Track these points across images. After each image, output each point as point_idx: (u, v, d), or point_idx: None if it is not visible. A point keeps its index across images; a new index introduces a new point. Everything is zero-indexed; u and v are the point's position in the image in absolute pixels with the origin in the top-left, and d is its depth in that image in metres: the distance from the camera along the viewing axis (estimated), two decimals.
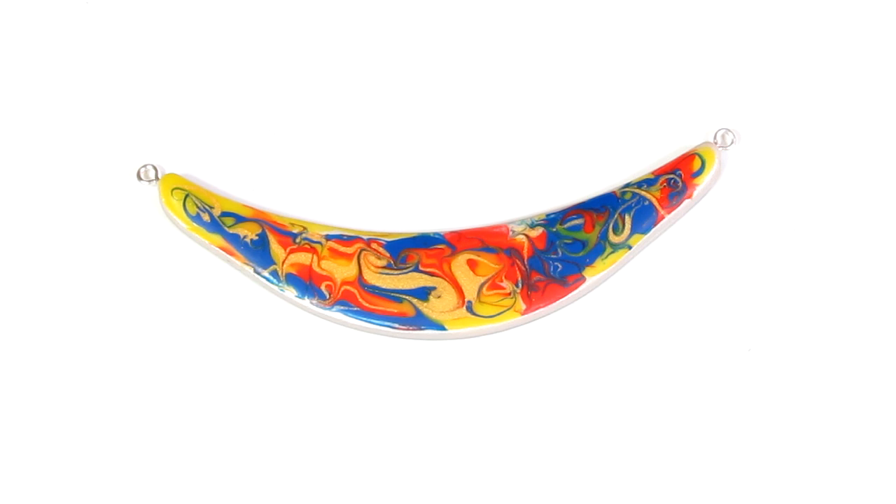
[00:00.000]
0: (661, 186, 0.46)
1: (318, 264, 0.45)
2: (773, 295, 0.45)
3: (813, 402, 0.45)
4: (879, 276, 0.46)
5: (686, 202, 0.46)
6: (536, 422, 0.45)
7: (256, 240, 0.45)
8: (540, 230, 0.46)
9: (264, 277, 0.45)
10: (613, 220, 0.45)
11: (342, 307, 0.45)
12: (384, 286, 0.45)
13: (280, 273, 0.45)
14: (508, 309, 0.45)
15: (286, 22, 0.48)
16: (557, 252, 0.45)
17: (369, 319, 0.45)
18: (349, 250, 0.45)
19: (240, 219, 0.45)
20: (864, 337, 0.45)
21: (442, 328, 0.45)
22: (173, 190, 0.45)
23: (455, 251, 0.45)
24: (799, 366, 0.45)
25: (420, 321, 0.45)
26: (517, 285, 0.45)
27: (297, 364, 0.45)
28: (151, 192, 0.46)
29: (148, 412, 0.45)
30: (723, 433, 0.44)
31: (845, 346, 0.45)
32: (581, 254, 0.45)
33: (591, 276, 0.45)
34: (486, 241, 0.45)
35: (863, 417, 0.45)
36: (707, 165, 0.45)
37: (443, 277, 0.45)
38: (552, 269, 0.45)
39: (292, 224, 0.46)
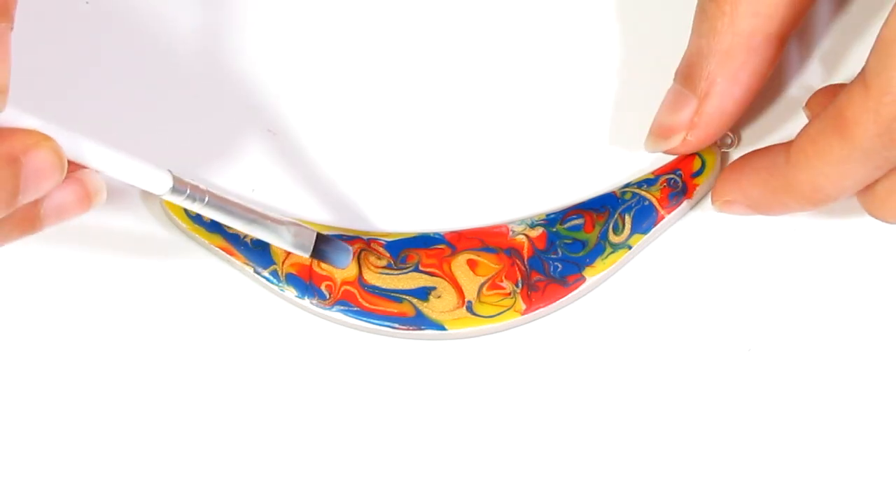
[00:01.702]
0: (661, 186, 0.46)
1: (318, 264, 0.45)
2: (773, 295, 0.45)
3: (813, 402, 0.45)
4: (880, 275, 0.46)
5: (686, 202, 0.46)
6: (537, 421, 0.45)
7: (256, 240, 0.45)
8: (540, 230, 0.46)
9: (264, 277, 0.45)
10: (613, 220, 0.45)
11: (342, 307, 0.45)
12: (384, 286, 0.45)
13: (280, 273, 0.45)
14: (508, 309, 0.45)
15: (286, 22, 0.48)
16: (557, 252, 0.45)
17: (369, 319, 0.45)
18: None
19: None
20: (864, 336, 0.45)
21: (442, 328, 0.45)
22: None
23: (455, 251, 0.45)
24: (799, 366, 0.45)
25: (420, 321, 0.45)
26: (517, 285, 0.45)
27: (297, 364, 0.45)
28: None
29: (148, 412, 0.45)
30: (723, 433, 0.44)
31: (846, 346, 0.45)
32: (581, 254, 0.45)
33: (591, 276, 0.45)
34: (485, 241, 0.45)
35: (863, 418, 0.45)
36: (707, 165, 0.45)
37: (443, 277, 0.45)
38: (552, 269, 0.45)
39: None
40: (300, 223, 0.44)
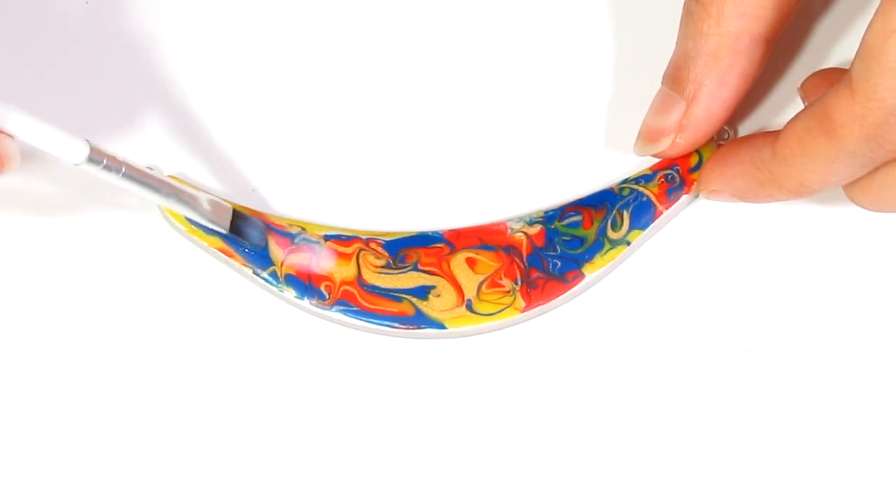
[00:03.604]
0: (659, 182, 0.46)
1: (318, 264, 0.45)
2: (773, 291, 0.45)
3: (814, 403, 0.45)
4: (881, 274, 0.46)
5: (684, 197, 0.46)
6: (537, 419, 0.45)
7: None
8: (538, 227, 0.46)
9: (263, 279, 0.45)
10: (612, 217, 0.45)
11: (342, 307, 0.45)
12: (383, 286, 0.45)
13: (279, 274, 0.45)
14: (508, 307, 0.45)
15: (283, 21, 0.48)
16: (556, 249, 0.45)
17: (369, 319, 0.45)
18: (348, 250, 0.45)
19: None
20: (865, 336, 0.45)
21: (442, 327, 0.45)
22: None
23: (454, 250, 0.45)
24: (799, 365, 0.45)
25: (420, 320, 0.45)
26: (516, 283, 0.45)
27: (297, 364, 0.45)
28: None
29: (148, 414, 0.45)
30: (722, 433, 0.44)
31: (848, 345, 0.45)
32: (580, 250, 0.45)
33: (590, 272, 0.45)
34: (484, 239, 0.45)
35: (863, 418, 0.45)
36: (704, 160, 0.45)
37: (442, 276, 0.45)
38: (551, 266, 0.45)
39: (290, 224, 0.46)
40: (217, 198, 0.44)
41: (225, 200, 0.45)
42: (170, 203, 0.43)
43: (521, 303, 0.45)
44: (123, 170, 0.41)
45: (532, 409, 0.45)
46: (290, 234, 0.45)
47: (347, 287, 0.45)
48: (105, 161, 0.40)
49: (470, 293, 0.45)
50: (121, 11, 0.48)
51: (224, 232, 0.44)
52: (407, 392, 0.45)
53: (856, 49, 0.38)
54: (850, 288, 0.45)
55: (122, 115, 0.47)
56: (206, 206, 0.44)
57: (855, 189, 0.41)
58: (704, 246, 0.46)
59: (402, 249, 0.45)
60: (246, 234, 0.45)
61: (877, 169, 0.40)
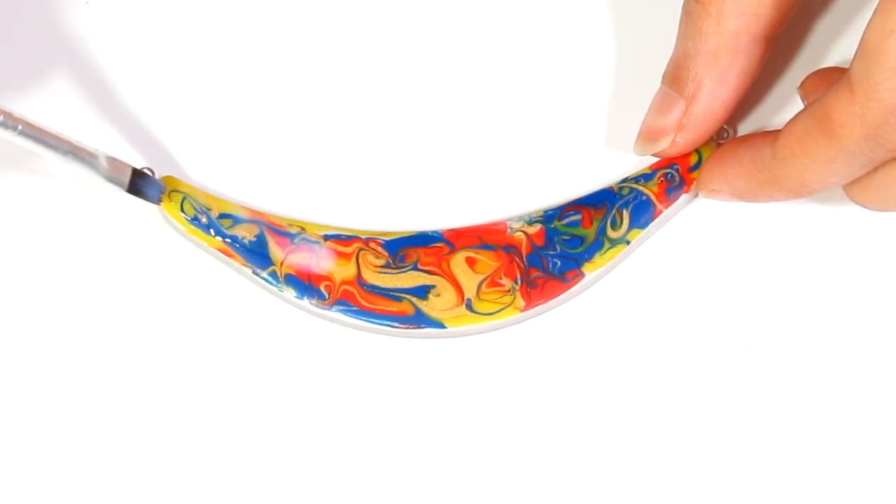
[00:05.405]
0: (659, 181, 0.46)
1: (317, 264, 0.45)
2: (773, 291, 0.45)
3: (814, 403, 0.45)
4: (881, 274, 0.45)
5: (684, 196, 0.46)
6: (537, 419, 0.45)
7: (253, 241, 0.45)
8: (538, 227, 0.46)
9: (263, 279, 0.45)
10: (611, 216, 0.45)
11: (341, 307, 0.45)
12: (383, 285, 0.45)
13: (279, 274, 0.45)
14: (508, 306, 0.45)
15: (280, 21, 0.48)
16: (556, 248, 0.45)
17: (369, 319, 0.45)
18: (348, 250, 0.45)
19: (237, 220, 0.45)
20: (865, 335, 0.45)
21: (442, 326, 0.45)
22: (170, 192, 0.45)
23: (453, 249, 0.45)
24: (800, 366, 0.45)
25: (420, 320, 0.45)
26: (516, 282, 0.45)
27: (297, 364, 0.45)
28: None
29: (147, 414, 0.45)
30: (722, 433, 0.44)
31: (848, 345, 0.45)
32: (579, 249, 0.45)
33: (590, 271, 0.45)
34: (484, 238, 0.45)
35: (863, 418, 0.45)
36: (704, 159, 0.45)
37: (442, 276, 0.45)
38: (551, 265, 0.45)
39: (290, 224, 0.46)
40: (115, 157, 0.44)
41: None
42: (68, 161, 0.42)
43: (520, 302, 0.45)
44: (20, 127, 0.40)
45: (532, 409, 0.45)
46: (290, 234, 0.45)
47: (347, 287, 0.45)
48: (0, 118, 0.40)
49: (470, 292, 0.45)
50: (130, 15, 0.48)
51: (123, 190, 0.44)
52: (407, 392, 0.45)
53: (855, 48, 0.38)
54: (850, 288, 0.45)
55: (123, 117, 0.47)
56: (105, 163, 0.43)
57: (855, 188, 0.41)
58: (704, 245, 0.46)
59: (401, 249, 0.45)
60: (145, 194, 0.44)
61: (876, 168, 0.40)
